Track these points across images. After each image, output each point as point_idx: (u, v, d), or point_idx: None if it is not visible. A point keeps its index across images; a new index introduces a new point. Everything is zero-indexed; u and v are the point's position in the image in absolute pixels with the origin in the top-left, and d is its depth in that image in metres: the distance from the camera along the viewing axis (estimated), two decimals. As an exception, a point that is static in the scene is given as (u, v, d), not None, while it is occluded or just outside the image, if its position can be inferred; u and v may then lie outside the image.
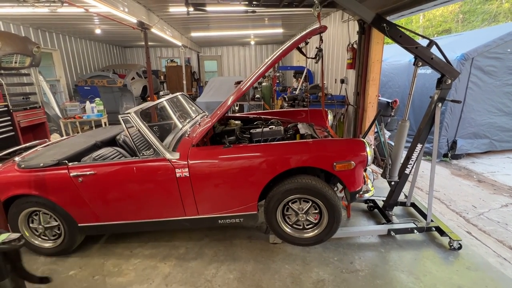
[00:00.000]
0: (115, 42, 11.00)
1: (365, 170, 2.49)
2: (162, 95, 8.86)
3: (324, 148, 2.18)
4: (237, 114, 3.55)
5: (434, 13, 16.76)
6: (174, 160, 2.17)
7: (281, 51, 2.38)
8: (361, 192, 2.27)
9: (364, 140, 2.19)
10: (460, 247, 2.54)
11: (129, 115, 2.15)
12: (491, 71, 5.31)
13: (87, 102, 5.77)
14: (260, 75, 2.31)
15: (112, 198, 2.27)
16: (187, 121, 2.90)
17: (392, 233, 2.67)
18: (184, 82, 9.34)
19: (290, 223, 2.41)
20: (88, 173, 2.23)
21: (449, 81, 2.49)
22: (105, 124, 5.86)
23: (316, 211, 2.32)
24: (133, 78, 9.01)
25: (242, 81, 6.43)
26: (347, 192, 2.23)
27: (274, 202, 2.26)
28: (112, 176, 2.20)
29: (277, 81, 8.37)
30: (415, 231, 2.69)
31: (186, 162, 2.16)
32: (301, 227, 2.41)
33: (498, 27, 6.54)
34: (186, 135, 2.42)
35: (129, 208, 2.30)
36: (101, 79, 7.89)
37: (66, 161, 2.29)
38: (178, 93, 3.47)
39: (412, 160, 2.78)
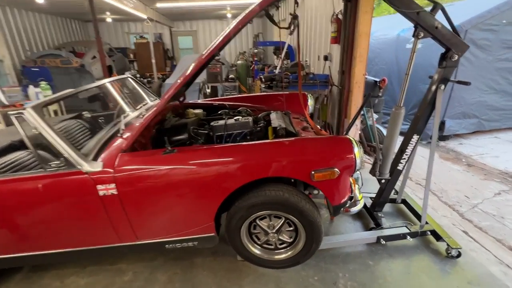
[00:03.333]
0: (73, 15, 9.67)
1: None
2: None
3: (298, 150, 1.66)
4: (199, 101, 2.93)
5: (421, -16, 16.04)
6: (95, 172, 1.59)
7: (248, 10, 1.74)
8: (347, 206, 1.80)
9: (350, 138, 1.68)
10: (459, 255, 2.18)
11: (24, 112, 1.51)
12: (484, 45, 4.88)
13: (30, 86, 4.89)
14: (218, 47, 1.68)
15: (15, 225, 1.67)
16: (126, 114, 2.24)
17: (383, 241, 2.26)
18: (154, 61, 8.37)
19: (259, 242, 1.93)
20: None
21: (456, 57, 1.99)
22: (56, 113, 5.03)
23: (291, 229, 1.85)
24: (94, 57, 7.99)
25: (219, 57, 5.70)
26: (329, 204, 1.75)
27: (237, 220, 1.75)
28: (9, 195, 1.59)
29: (256, 59, 7.65)
30: (408, 237, 2.31)
31: (111, 175, 1.59)
32: (273, 247, 1.94)
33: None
34: (119, 134, 1.81)
35: (40, 236, 1.73)
36: (53, 59, 6.85)
37: None
38: (124, 75, 2.79)
39: (406, 154, 2.34)
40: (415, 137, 2.28)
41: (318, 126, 2.58)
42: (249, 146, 1.69)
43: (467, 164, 4.41)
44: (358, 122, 4.26)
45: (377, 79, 4.54)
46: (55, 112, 5.09)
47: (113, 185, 1.56)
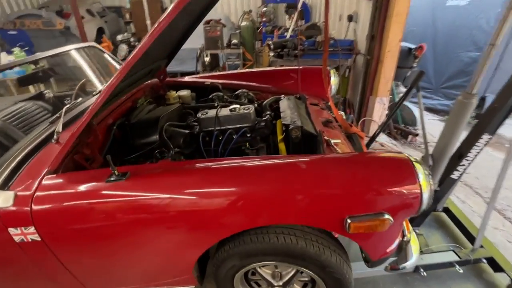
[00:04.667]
0: (57, -33, 8.51)
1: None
2: (121, 41, 7.07)
3: (324, 181, 1.01)
4: (186, 78, 2.25)
5: None
6: (2, 209, 1.02)
7: None
8: (393, 260, 1.21)
9: (410, 158, 1.02)
10: (526, 295, 1.65)
11: None
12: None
13: (3, 53, 4.24)
14: None
15: None
16: (69, 105, 1.46)
17: (423, 273, 1.72)
18: (149, 22, 7.38)
19: (260, 290, 1.41)
20: None
21: None
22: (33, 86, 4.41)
23: (306, 279, 1.30)
24: (82, 18, 7.09)
25: (214, 20, 4.82)
26: (365, 255, 1.16)
27: (227, 270, 1.20)
28: None
29: (265, 19, 6.62)
30: (457, 266, 1.76)
31: (27, 211, 1.02)
32: (279, 294, 1.41)
33: None
34: (53, 140, 1.22)
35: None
36: (34, 20, 6.04)
37: None
38: (87, 43, 2.12)
39: (467, 159, 1.69)
40: (485, 137, 1.61)
41: (343, 114, 1.91)
42: (241, 171, 1.05)
43: None
44: (385, 99, 3.53)
45: (412, 46, 3.70)
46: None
47: (31, 228, 1.01)
